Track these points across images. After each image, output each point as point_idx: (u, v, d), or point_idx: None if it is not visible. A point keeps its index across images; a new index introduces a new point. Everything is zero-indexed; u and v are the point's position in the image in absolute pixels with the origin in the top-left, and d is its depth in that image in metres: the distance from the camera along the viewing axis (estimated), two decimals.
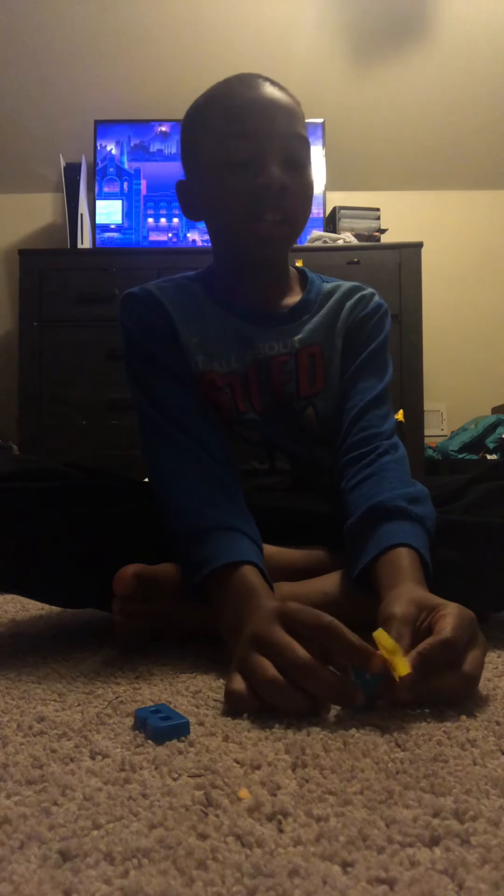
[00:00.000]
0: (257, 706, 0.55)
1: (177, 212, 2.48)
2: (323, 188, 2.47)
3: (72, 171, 2.43)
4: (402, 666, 0.53)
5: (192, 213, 0.94)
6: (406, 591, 0.63)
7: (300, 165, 0.85)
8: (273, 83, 0.86)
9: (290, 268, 1.00)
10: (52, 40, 2.44)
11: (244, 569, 0.69)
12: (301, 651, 0.54)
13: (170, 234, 2.49)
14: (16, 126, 2.59)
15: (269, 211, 0.83)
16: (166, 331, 0.90)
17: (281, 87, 0.87)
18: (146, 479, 0.88)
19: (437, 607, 0.59)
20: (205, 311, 0.93)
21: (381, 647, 0.54)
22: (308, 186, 0.88)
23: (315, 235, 2.33)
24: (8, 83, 2.51)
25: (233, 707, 0.57)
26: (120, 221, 2.48)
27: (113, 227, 2.48)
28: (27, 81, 2.52)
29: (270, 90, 0.85)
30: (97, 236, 2.48)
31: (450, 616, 0.57)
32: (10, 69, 2.49)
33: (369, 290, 0.98)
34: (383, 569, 0.69)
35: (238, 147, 0.83)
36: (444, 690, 0.56)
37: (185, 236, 2.48)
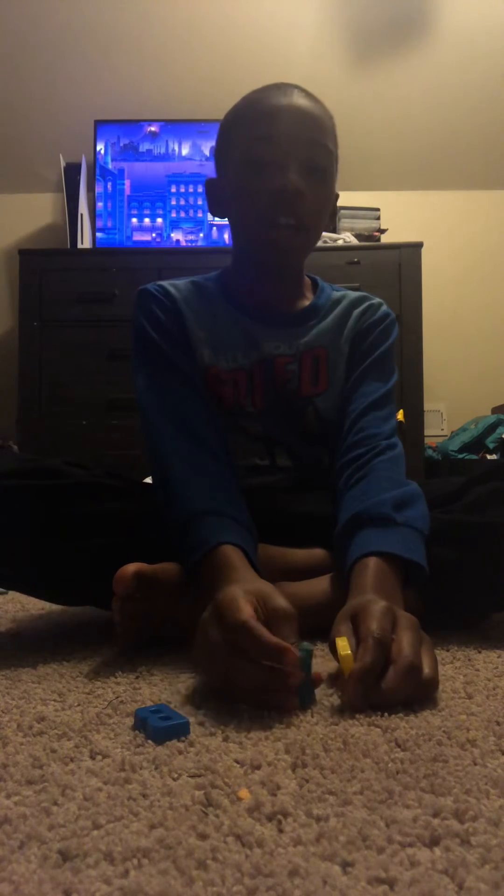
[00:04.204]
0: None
1: (161, 212, 2.48)
2: None
3: (72, 171, 2.43)
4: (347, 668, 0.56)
5: (217, 210, 0.97)
6: (349, 606, 0.65)
7: (321, 174, 0.87)
8: (307, 94, 0.89)
9: (305, 275, 1.02)
10: (53, 40, 2.44)
11: (224, 549, 0.70)
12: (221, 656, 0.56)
13: (153, 234, 2.48)
14: (16, 126, 2.59)
15: (282, 215, 0.85)
16: (176, 327, 0.92)
17: (314, 99, 0.89)
18: (146, 480, 0.89)
19: (359, 612, 0.61)
20: (215, 309, 0.95)
21: (339, 652, 0.57)
22: (327, 197, 0.91)
23: None
24: (8, 83, 2.51)
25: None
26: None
27: None
28: (28, 81, 2.52)
29: (303, 100, 0.87)
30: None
31: (368, 617, 0.59)
32: (10, 69, 2.49)
33: (377, 300, 1.01)
34: (351, 580, 0.71)
35: (262, 149, 0.85)
36: (394, 691, 0.56)
37: (168, 236, 2.48)
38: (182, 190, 2.48)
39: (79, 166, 2.43)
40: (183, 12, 2.41)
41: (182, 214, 2.48)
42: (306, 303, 0.98)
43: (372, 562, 0.70)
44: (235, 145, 0.89)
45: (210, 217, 2.45)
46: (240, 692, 0.57)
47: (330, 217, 0.96)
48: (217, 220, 2.44)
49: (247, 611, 0.57)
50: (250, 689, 0.56)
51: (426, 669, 0.57)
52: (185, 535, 0.75)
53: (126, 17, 2.41)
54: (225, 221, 0.98)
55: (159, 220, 2.48)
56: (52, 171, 2.62)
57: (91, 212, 2.49)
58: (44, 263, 2.23)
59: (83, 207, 2.42)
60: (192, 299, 0.95)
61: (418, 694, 0.57)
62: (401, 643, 0.57)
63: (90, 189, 2.49)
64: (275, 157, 0.85)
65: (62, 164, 2.45)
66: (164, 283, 0.96)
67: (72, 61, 2.49)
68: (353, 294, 1.01)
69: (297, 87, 0.89)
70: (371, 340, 0.96)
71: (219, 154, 0.95)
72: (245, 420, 0.93)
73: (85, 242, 2.43)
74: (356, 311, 0.98)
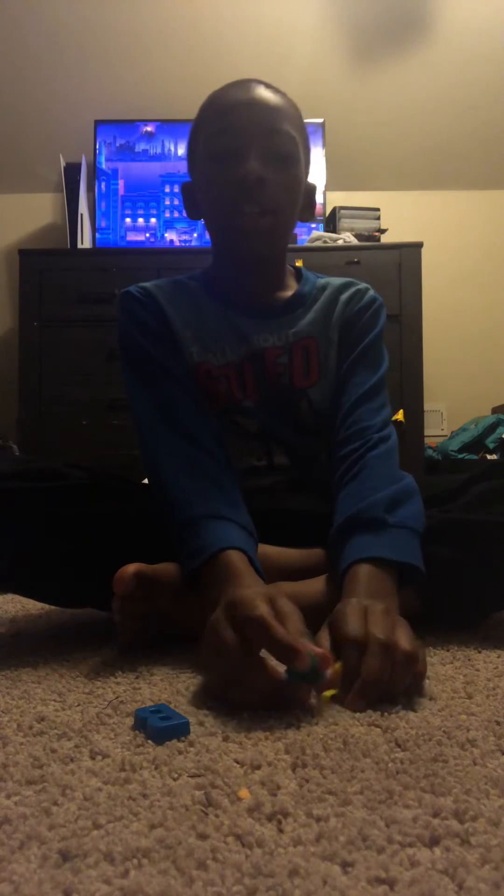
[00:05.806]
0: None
1: (154, 212, 2.48)
2: (323, 188, 2.47)
3: (72, 171, 2.43)
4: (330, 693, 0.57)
5: (192, 212, 0.97)
6: (330, 616, 0.66)
7: (284, 160, 0.87)
8: (267, 86, 0.89)
9: (287, 266, 1.01)
10: (53, 40, 2.44)
11: (227, 554, 0.70)
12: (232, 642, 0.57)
13: (147, 234, 2.48)
14: (16, 126, 2.59)
15: (246, 203, 0.85)
16: (161, 328, 0.92)
17: (275, 90, 0.89)
18: (145, 481, 0.88)
19: (334, 620, 0.63)
20: (200, 306, 0.95)
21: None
22: (294, 182, 0.89)
23: (315, 235, 2.32)
24: (8, 83, 2.51)
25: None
26: None
27: None
28: (28, 81, 2.51)
29: (261, 91, 0.87)
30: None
31: (342, 617, 0.62)
32: (10, 69, 2.49)
33: (363, 284, 1.00)
34: (343, 587, 0.71)
35: (220, 142, 0.86)
36: (370, 671, 0.57)
37: (162, 236, 2.48)
38: (176, 190, 2.48)
39: (79, 166, 2.43)
40: (184, 14, 2.41)
41: (176, 214, 2.48)
42: (290, 292, 0.98)
43: (363, 569, 0.70)
44: (200, 144, 0.90)
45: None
46: (244, 694, 0.57)
47: (306, 208, 0.95)
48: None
49: (262, 608, 0.57)
50: (255, 689, 0.56)
51: (404, 645, 0.58)
52: (184, 540, 0.74)
53: (126, 18, 2.41)
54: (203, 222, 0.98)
55: (153, 220, 2.48)
56: (52, 171, 2.62)
57: (91, 212, 2.49)
58: (44, 263, 2.23)
59: (83, 207, 2.42)
60: (175, 298, 0.95)
61: (404, 674, 0.58)
62: (372, 629, 0.59)
63: (90, 189, 2.49)
64: (233, 147, 0.85)
65: (62, 164, 2.45)
66: (146, 283, 0.96)
67: (72, 61, 2.49)
68: (338, 280, 1.00)
69: (257, 80, 0.89)
70: (360, 328, 0.95)
71: (188, 156, 0.96)
72: (240, 416, 0.93)
73: (85, 242, 2.43)
74: (343, 297, 0.97)
